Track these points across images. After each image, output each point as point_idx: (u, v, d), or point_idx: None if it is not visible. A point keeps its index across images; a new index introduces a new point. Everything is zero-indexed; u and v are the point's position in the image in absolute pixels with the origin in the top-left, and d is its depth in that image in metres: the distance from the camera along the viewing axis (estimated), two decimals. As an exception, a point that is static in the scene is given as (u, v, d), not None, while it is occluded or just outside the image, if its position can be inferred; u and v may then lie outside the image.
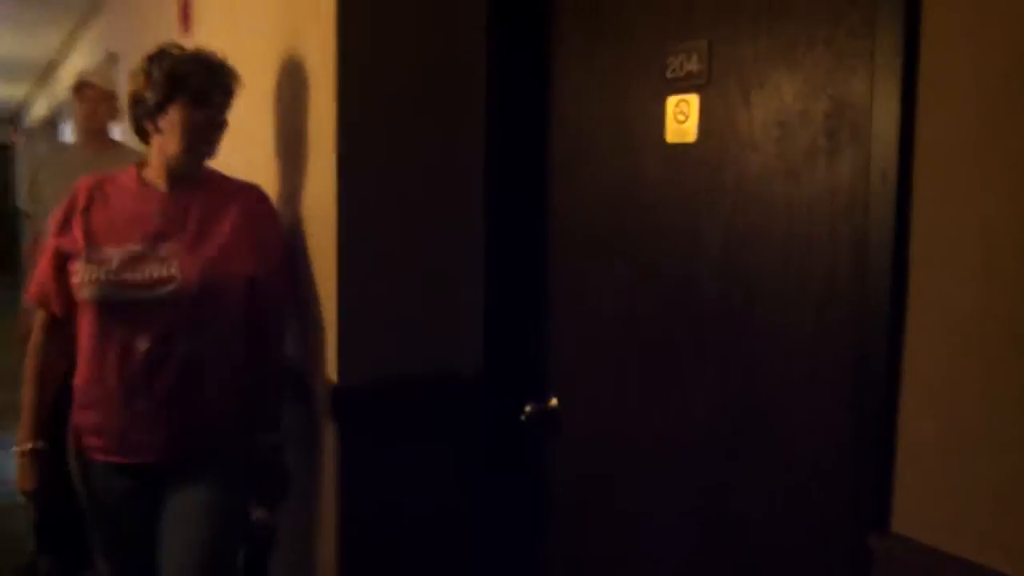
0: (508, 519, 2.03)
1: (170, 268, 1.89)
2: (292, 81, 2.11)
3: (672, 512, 1.60)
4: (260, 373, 2.03)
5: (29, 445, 2.00)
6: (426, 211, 1.96)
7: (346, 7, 1.84)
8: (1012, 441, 0.99)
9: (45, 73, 8.11)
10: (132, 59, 2.25)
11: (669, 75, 1.57)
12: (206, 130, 1.96)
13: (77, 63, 6.11)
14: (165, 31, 3.35)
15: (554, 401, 1.92)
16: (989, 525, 1.01)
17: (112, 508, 2.01)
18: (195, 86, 1.91)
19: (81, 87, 3.28)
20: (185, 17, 3.02)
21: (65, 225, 1.99)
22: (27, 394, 2.06)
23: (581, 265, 1.84)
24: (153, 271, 1.89)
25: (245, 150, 2.40)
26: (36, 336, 2.08)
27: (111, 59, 4.61)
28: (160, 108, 1.92)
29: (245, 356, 2.00)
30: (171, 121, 1.92)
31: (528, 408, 1.92)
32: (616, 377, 1.74)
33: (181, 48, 1.98)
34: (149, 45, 2.05)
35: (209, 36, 2.80)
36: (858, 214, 1.18)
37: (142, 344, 1.88)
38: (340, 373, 1.90)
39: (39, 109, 9.80)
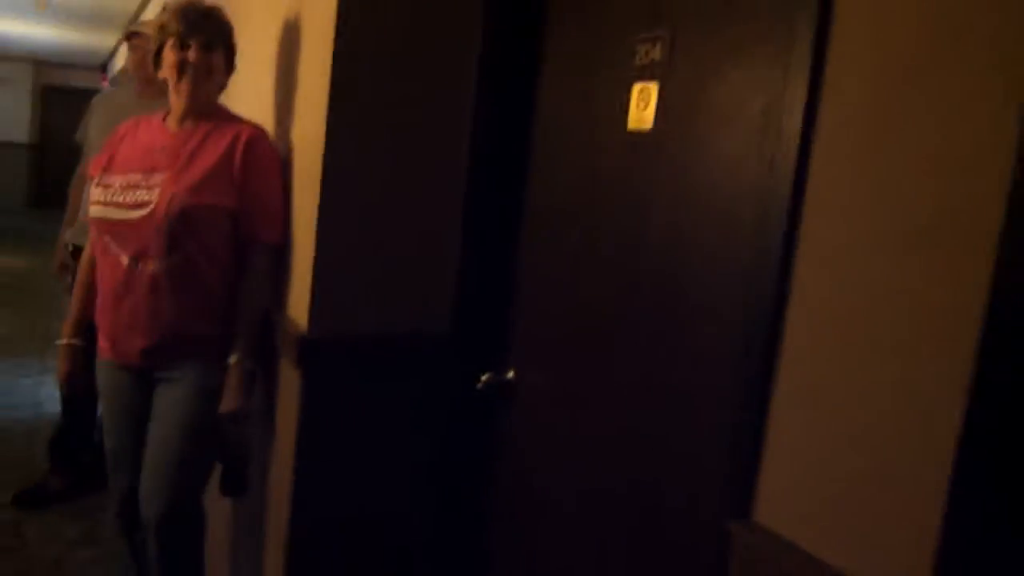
0: (460, 478, 2.08)
1: (152, 195, 2.08)
2: (294, 38, 2.21)
3: (591, 491, 1.64)
4: (239, 301, 2.17)
5: (65, 341, 2.36)
6: (409, 177, 2.01)
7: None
8: (862, 444, 1.00)
9: (130, 23, 8.43)
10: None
11: (637, 62, 1.60)
12: (186, 70, 2.15)
13: (154, 13, 6.36)
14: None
15: (511, 373, 1.97)
16: (831, 522, 1.03)
17: (111, 402, 2.31)
18: (173, 31, 2.14)
19: (131, 36, 3.42)
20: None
21: (102, 155, 2.29)
22: (74, 300, 2.39)
23: (544, 244, 1.88)
24: (140, 197, 2.10)
25: (250, 102, 2.53)
26: (87, 251, 2.40)
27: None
28: (158, 54, 2.19)
29: (224, 283, 2.16)
30: (164, 64, 2.18)
31: (485, 377, 1.97)
32: (562, 356, 1.78)
33: (180, 2, 2.15)
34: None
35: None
36: (762, 207, 1.20)
37: (124, 260, 2.12)
38: (309, 324, 1.98)
39: (123, 57, 10.19)
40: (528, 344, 1.93)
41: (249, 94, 2.60)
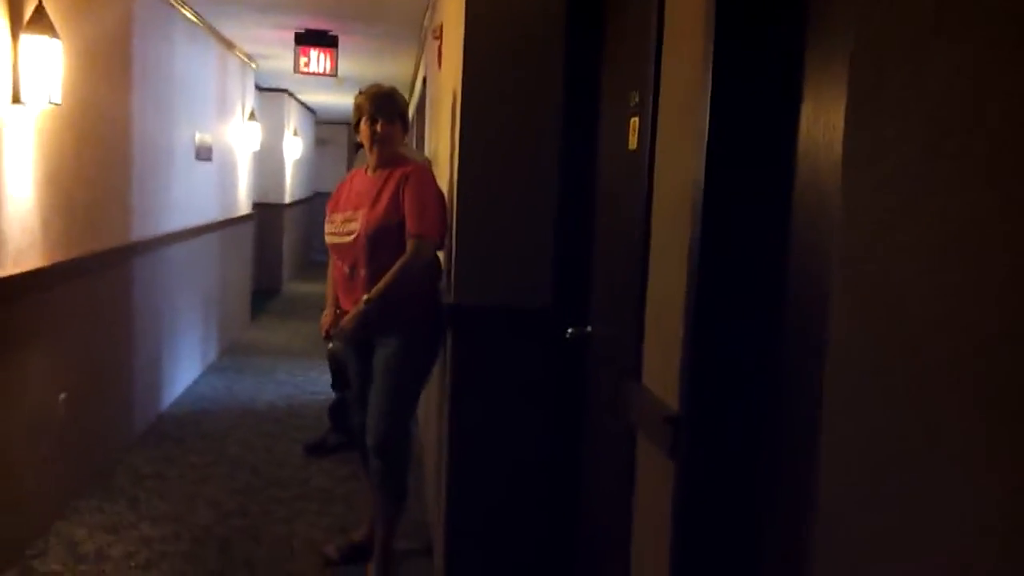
0: (556, 406, 2.92)
1: (357, 225, 3.14)
2: (453, 103, 3.21)
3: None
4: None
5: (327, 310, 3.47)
6: (517, 199, 2.92)
7: (468, 74, 2.87)
8: (670, 322, 1.74)
9: (412, 85, 10.10)
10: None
11: (630, 104, 2.38)
12: (375, 139, 3.21)
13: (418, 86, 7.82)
14: (433, 66, 4.61)
15: (589, 328, 2.78)
16: (665, 373, 1.77)
17: (350, 359, 3.45)
18: (367, 111, 3.21)
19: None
20: (439, 59, 4.23)
21: (332, 200, 3.39)
22: (327, 292, 3.51)
23: (599, 231, 2.69)
24: (350, 227, 3.17)
25: (436, 144, 3.58)
26: (330, 266, 3.49)
27: (424, 82, 6.07)
28: (357, 125, 3.22)
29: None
30: (361, 133, 3.24)
31: (570, 331, 2.80)
32: (607, 308, 2.58)
33: (373, 85, 3.21)
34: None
35: (445, 72, 3.98)
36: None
37: (345, 268, 3.21)
38: (455, 296, 2.94)
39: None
40: (595, 305, 2.74)
41: (437, 139, 3.66)
